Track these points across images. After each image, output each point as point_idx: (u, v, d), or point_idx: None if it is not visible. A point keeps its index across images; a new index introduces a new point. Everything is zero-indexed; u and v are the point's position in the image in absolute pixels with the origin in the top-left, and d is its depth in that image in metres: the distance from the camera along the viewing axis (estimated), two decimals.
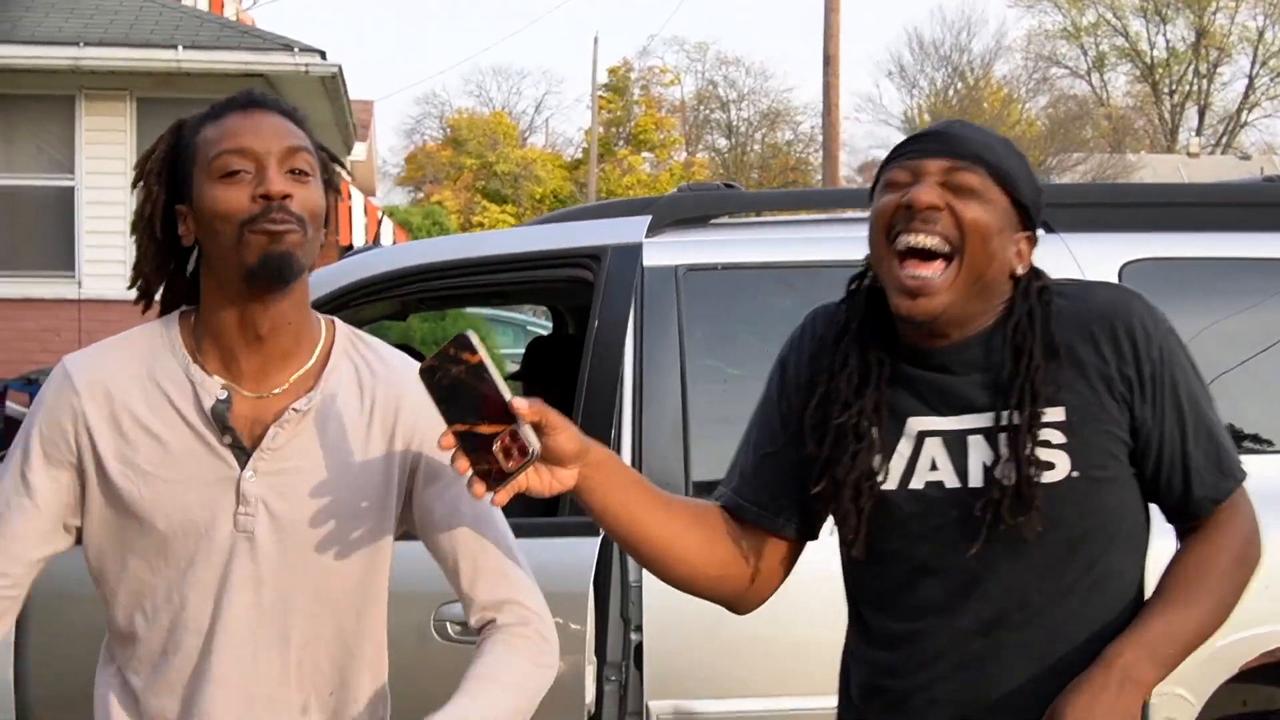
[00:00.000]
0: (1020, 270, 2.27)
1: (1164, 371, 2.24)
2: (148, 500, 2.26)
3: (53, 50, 14.95)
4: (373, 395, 2.36)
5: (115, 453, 2.28)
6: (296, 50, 15.27)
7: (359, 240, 25.87)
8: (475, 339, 2.13)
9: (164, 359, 2.31)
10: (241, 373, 2.30)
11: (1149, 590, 2.31)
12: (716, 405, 4.11)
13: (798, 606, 3.99)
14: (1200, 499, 2.28)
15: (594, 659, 3.89)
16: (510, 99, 64.97)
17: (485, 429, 2.11)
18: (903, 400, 2.30)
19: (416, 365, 2.27)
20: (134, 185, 2.36)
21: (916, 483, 2.28)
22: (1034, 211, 2.29)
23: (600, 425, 4.02)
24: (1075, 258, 4.14)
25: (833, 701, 3.94)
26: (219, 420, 2.27)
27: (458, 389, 2.12)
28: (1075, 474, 2.21)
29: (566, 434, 2.18)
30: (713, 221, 4.47)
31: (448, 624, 3.88)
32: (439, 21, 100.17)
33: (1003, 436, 2.22)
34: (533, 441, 2.12)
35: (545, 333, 9.18)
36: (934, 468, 2.27)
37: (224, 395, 2.28)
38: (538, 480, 2.18)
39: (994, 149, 2.27)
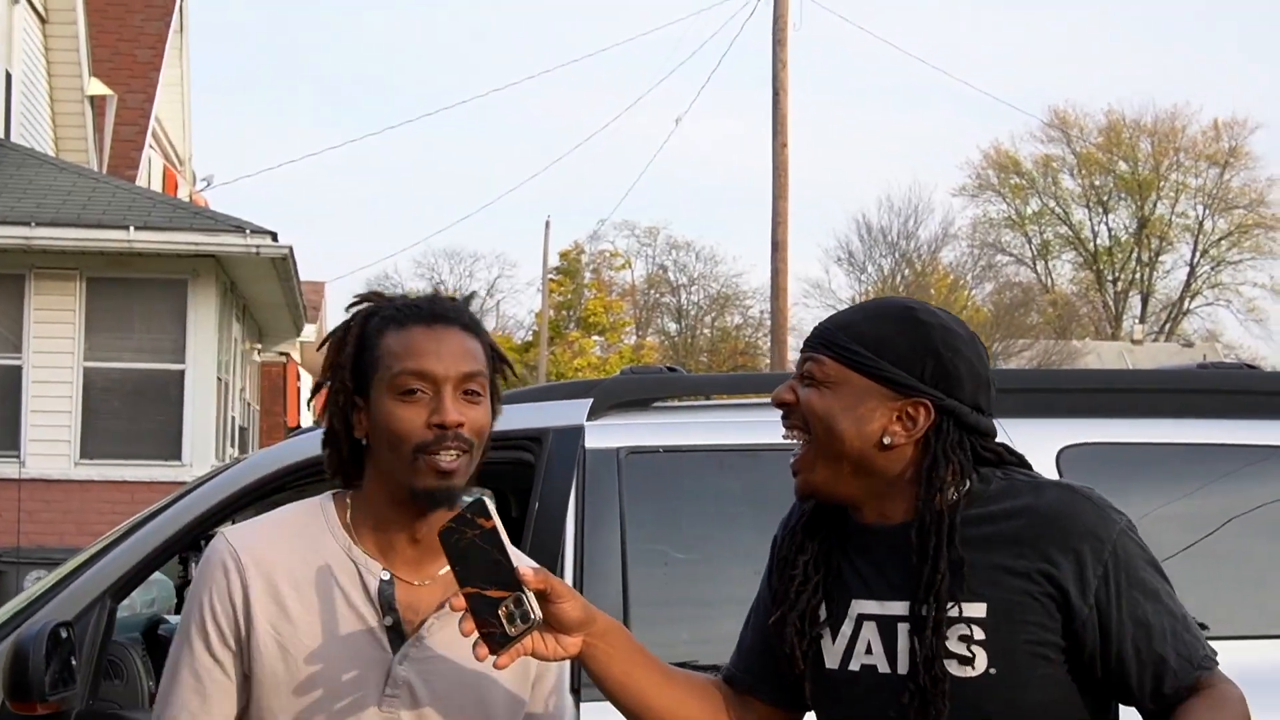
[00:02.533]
0: (899, 440, 2.30)
1: (1117, 576, 2.24)
2: (299, 675, 2.35)
3: (4, 230, 15.01)
4: None
5: (271, 627, 2.37)
6: (248, 231, 15.39)
7: (306, 421, 25.90)
8: (491, 505, 2.22)
9: (323, 538, 2.44)
10: (398, 560, 2.44)
11: None
12: (658, 589, 4.08)
13: None
14: (1174, 690, 2.24)
15: None
16: (462, 281, 65.29)
17: (494, 593, 2.19)
18: (849, 580, 2.37)
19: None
20: (322, 371, 2.52)
21: (854, 664, 2.34)
22: (920, 378, 2.31)
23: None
24: (1012, 442, 4.16)
25: None
26: (385, 602, 2.39)
27: (471, 552, 2.20)
28: (993, 670, 2.22)
29: (572, 603, 2.27)
30: (655, 405, 4.48)
31: None
32: (392, 204, 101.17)
33: (918, 629, 2.25)
34: (535, 609, 2.20)
35: None
36: (869, 651, 2.32)
37: (387, 577, 2.41)
38: (542, 646, 2.25)
39: (851, 328, 2.35)
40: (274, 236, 15.52)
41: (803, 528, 2.44)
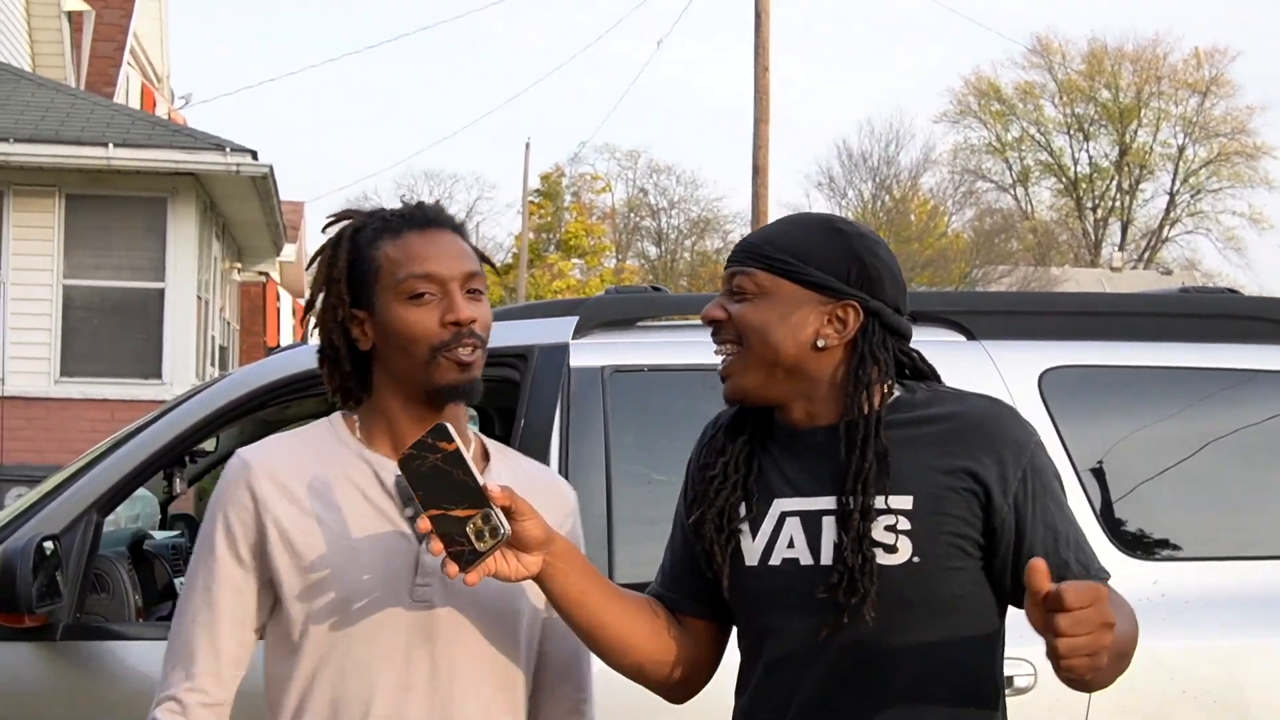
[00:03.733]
0: (832, 342, 2.43)
1: (1034, 481, 2.39)
2: (326, 578, 2.40)
3: None
4: (526, 492, 2.43)
5: (290, 533, 2.42)
6: (228, 150, 15.30)
7: (286, 340, 25.88)
8: (452, 429, 2.28)
9: (336, 448, 2.50)
10: None
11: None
12: (641, 507, 4.11)
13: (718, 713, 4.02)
14: None
15: None
16: (442, 203, 65.04)
17: (459, 512, 2.25)
18: (772, 481, 2.48)
19: (565, 484, 2.67)
20: (314, 288, 2.57)
21: (775, 559, 2.45)
22: (847, 282, 2.43)
23: None
24: (996, 364, 4.19)
25: None
26: (404, 493, 2.42)
27: (434, 475, 2.26)
28: (916, 559, 2.35)
29: (534, 521, 2.33)
30: (639, 324, 4.50)
31: None
32: (372, 124, 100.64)
33: (845, 519, 2.37)
34: (504, 523, 2.27)
35: None
36: (791, 545, 2.44)
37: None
38: (504, 565, 2.32)
39: (776, 240, 2.47)
40: (254, 155, 15.42)
41: (723, 432, 2.55)
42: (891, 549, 2.35)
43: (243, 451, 2.50)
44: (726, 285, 2.50)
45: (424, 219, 2.50)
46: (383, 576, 2.41)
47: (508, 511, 2.28)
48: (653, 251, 60.26)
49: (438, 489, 2.26)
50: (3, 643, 3.94)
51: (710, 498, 2.50)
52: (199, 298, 16.36)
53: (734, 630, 2.61)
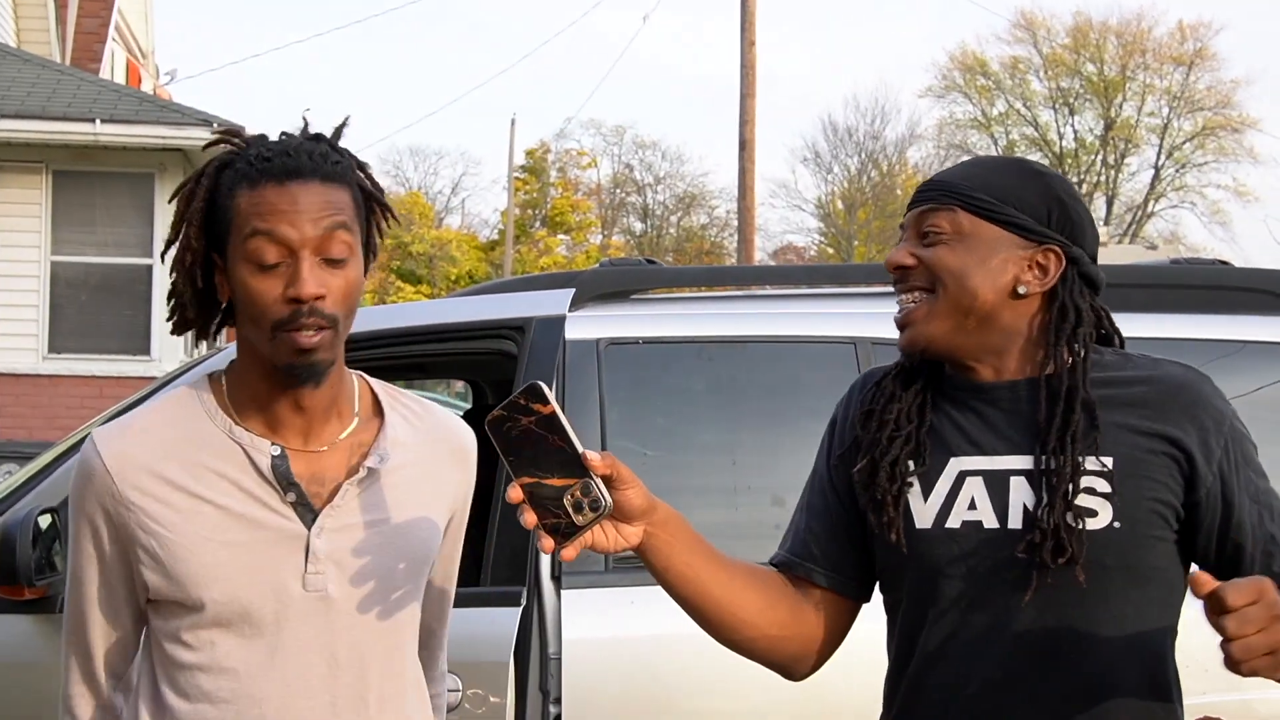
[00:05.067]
0: (1033, 289, 2.27)
1: (1236, 451, 2.24)
2: (204, 573, 2.18)
3: None
4: (423, 448, 2.35)
5: (156, 529, 2.19)
6: (215, 126, 15.23)
7: None
8: (547, 389, 2.08)
9: (201, 425, 2.25)
10: (287, 432, 2.26)
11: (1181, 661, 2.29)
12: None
13: (718, 677, 4.03)
14: None
15: None
16: (427, 179, 64.88)
17: (555, 481, 2.06)
18: (948, 438, 2.30)
19: (454, 414, 2.28)
20: (174, 225, 2.30)
21: (953, 521, 2.26)
22: (1048, 225, 2.28)
23: None
24: None
25: None
26: (282, 478, 2.22)
27: (526, 440, 2.06)
28: (1117, 524, 2.19)
29: (636, 489, 2.13)
30: (633, 297, 4.51)
31: None
32: (357, 100, 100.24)
33: (1045, 479, 2.20)
34: (605, 496, 2.06)
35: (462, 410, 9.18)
36: (972, 507, 2.26)
37: (278, 451, 2.24)
38: (603, 537, 2.13)
39: (974, 179, 2.29)
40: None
41: (892, 379, 2.37)
42: (1090, 513, 2.18)
43: (98, 438, 2.25)
44: (915, 227, 2.31)
45: (284, 169, 2.17)
46: (269, 570, 2.19)
47: (607, 480, 2.07)
48: (638, 227, 60.25)
49: (531, 455, 2.06)
50: (3, 615, 3.95)
51: (883, 445, 2.31)
52: None
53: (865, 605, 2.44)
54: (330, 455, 2.28)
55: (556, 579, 4.03)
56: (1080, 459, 2.18)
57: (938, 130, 58.86)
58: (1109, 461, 2.20)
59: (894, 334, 4.28)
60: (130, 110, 15.58)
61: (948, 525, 2.26)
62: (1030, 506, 2.21)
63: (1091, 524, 2.18)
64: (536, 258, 53.15)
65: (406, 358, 4.54)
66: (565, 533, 2.07)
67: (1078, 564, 2.16)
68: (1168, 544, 2.23)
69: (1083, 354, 2.27)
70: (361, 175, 2.30)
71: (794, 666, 2.43)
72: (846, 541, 2.40)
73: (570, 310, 4.30)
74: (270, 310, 2.15)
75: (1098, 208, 60.25)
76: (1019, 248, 2.27)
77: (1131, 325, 4.36)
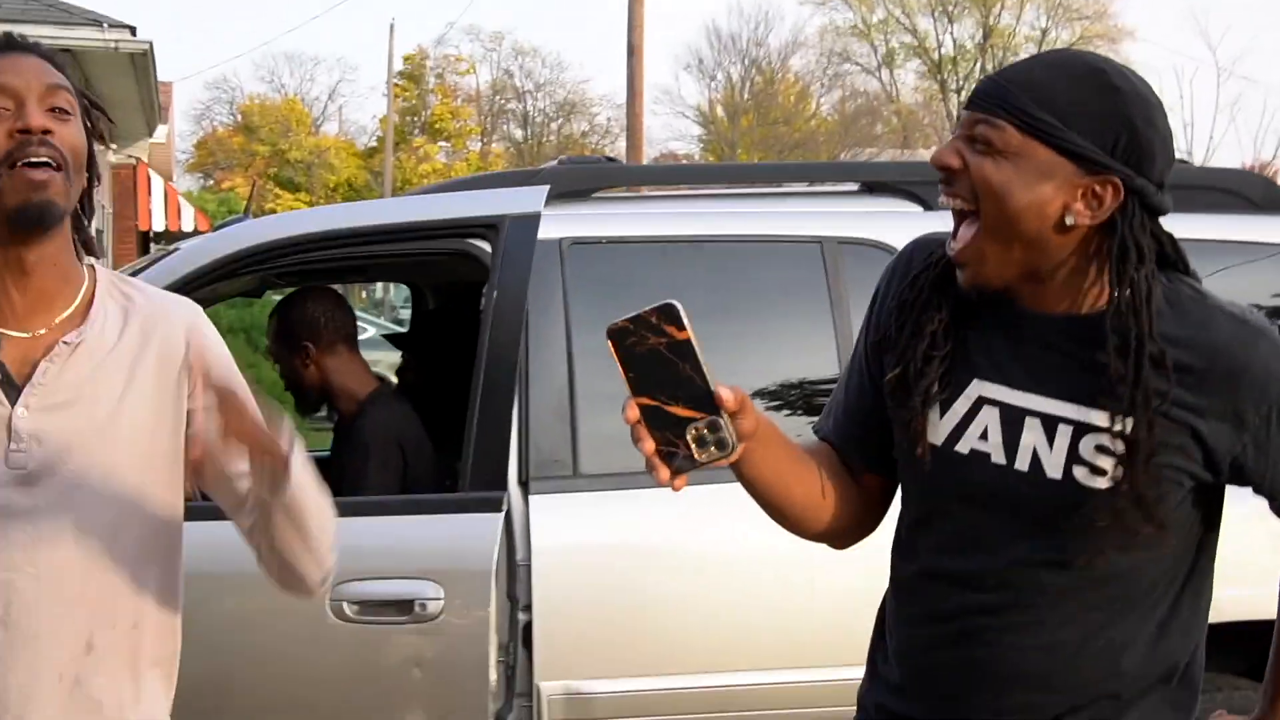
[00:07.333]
0: (1083, 221, 2.06)
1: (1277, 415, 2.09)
2: None
3: None
4: (144, 328, 2.29)
5: None
6: (105, 26, 14.79)
7: (159, 225, 25.30)
8: (684, 312, 1.93)
9: None
10: (5, 315, 2.22)
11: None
12: (602, 382, 4.04)
13: (688, 586, 4.00)
14: None
15: (497, 641, 3.82)
16: (304, 86, 64.14)
17: (680, 411, 1.94)
18: (974, 357, 2.19)
19: (184, 299, 2.34)
20: None
21: (962, 446, 2.18)
22: (1111, 154, 2.06)
23: (502, 399, 3.98)
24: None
25: (720, 680, 3.97)
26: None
27: (653, 361, 1.93)
28: (1125, 487, 2.07)
29: (749, 417, 2.02)
30: (594, 195, 4.41)
31: (345, 604, 3.78)
32: (232, 5, 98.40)
33: (1063, 428, 2.11)
34: (733, 439, 1.97)
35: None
36: (983, 437, 2.16)
37: None
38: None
39: (1036, 90, 2.06)
40: (132, 31, 14.95)
41: (932, 285, 2.22)
42: (1100, 471, 2.07)
43: None
44: (967, 129, 2.10)
45: (7, 43, 2.25)
46: None
47: (732, 415, 1.97)
48: (519, 134, 59.92)
49: (656, 377, 1.92)
50: None
51: (918, 364, 2.18)
52: None
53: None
54: (46, 338, 2.24)
55: (524, 484, 3.96)
56: (1150, 416, 2.04)
57: (819, 37, 59.02)
58: (1128, 421, 2.06)
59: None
60: (16, 9, 15.06)
61: (957, 449, 2.18)
62: (1039, 451, 2.12)
63: (1096, 482, 2.08)
64: (415, 165, 52.72)
65: (362, 258, 4.38)
66: (681, 465, 1.96)
67: (1166, 530, 2.09)
68: (1180, 502, 2.13)
69: (1146, 293, 2.06)
70: (74, 79, 2.31)
71: (842, 541, 2.39)
72: (878, 426, 2.31)
73: (545, 208, 4.18)
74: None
75: None
76: (1074, 175, 2.05)
77: None
